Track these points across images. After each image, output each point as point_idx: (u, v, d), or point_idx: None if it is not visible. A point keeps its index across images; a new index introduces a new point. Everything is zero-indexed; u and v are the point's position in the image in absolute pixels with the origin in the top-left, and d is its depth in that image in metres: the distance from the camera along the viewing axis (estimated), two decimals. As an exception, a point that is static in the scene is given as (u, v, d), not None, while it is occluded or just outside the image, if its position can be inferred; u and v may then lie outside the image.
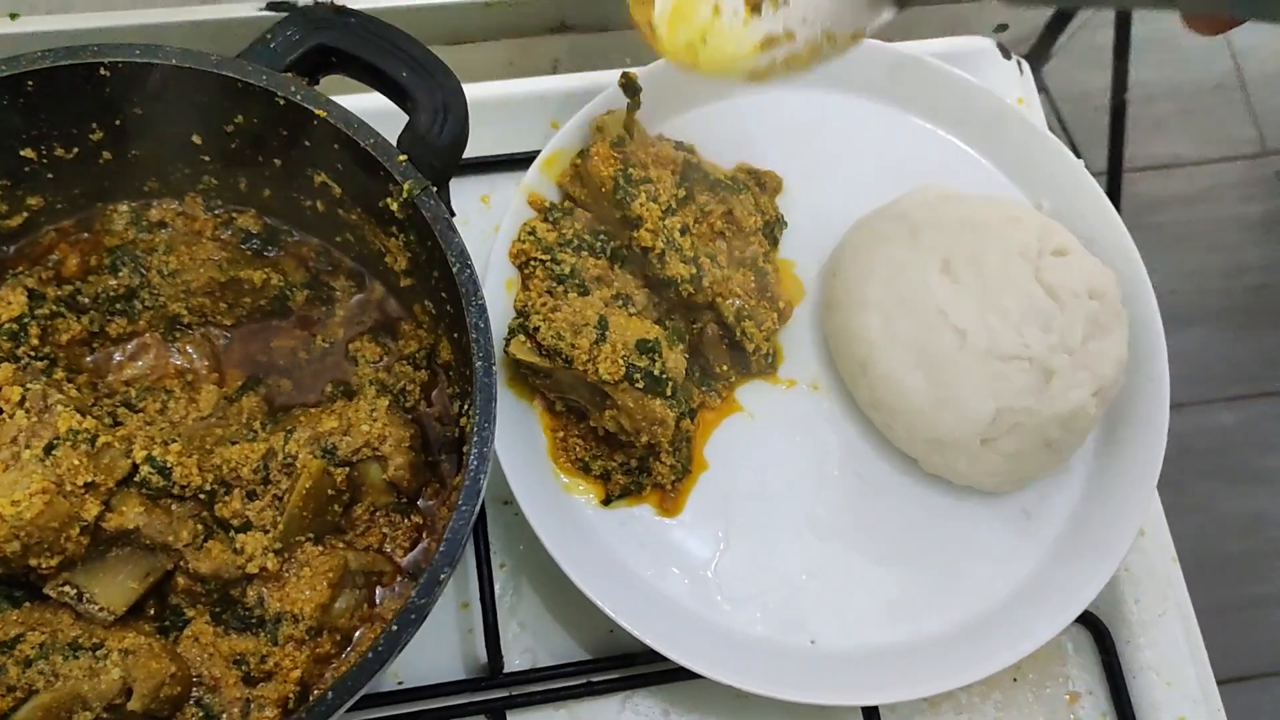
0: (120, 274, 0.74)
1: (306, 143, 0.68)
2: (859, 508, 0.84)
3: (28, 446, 0.61)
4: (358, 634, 0.69)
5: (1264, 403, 2.42)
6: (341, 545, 0.69)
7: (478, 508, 0.60)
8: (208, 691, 0.66)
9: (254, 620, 0.67)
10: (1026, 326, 0.78)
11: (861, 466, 0.85)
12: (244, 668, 0.66)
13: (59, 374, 0.69)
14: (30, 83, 0.65)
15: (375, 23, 0.68)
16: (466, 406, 0.66)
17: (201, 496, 0.67)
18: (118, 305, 0.73)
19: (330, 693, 0.56)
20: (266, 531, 0.67)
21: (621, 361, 0.75)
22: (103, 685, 0.61)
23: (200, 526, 0.66)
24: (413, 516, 0.72)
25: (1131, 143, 2.60)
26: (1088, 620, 0.87)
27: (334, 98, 0.84)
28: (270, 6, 0.94)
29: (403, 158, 0.65)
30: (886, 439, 0.85)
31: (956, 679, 0.79)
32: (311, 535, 0.68)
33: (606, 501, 0.82)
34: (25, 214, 0.73)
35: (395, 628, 0.57)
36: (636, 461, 0.81)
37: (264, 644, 0.66)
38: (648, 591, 0.80)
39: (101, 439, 0.63)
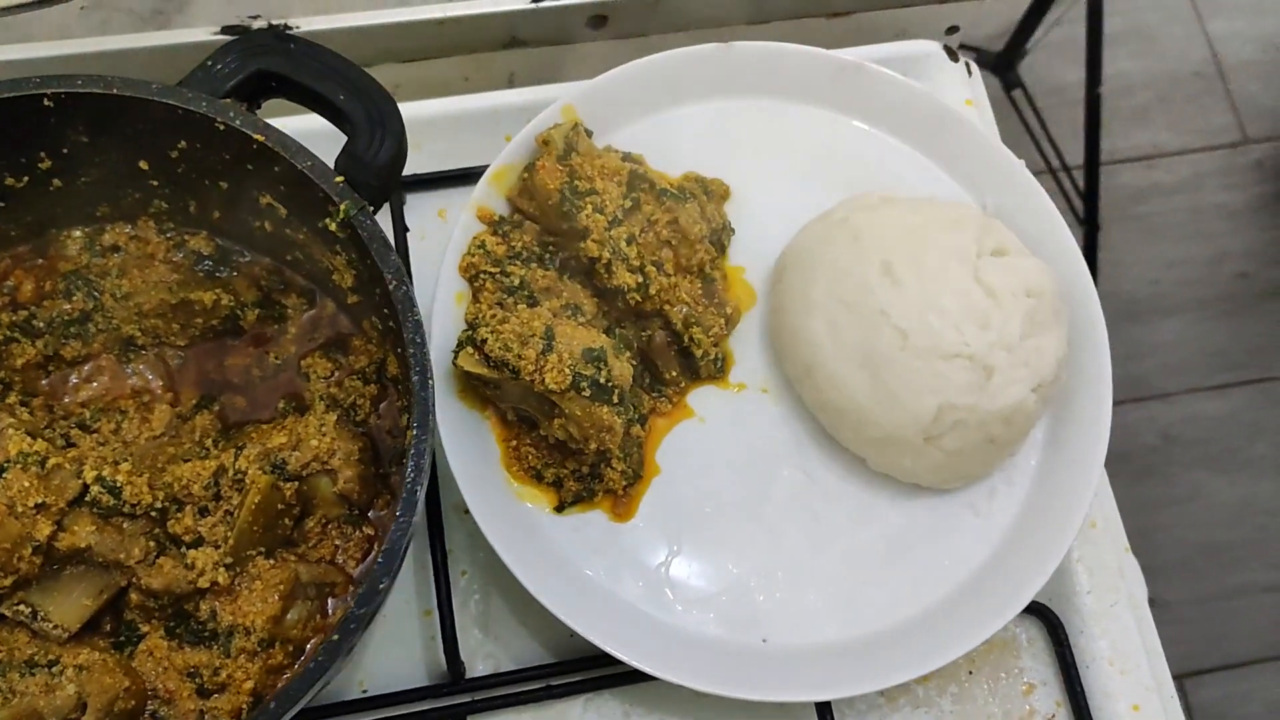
0: (74, 298, 0.76)
1: (249, 166, 0.70)
2: (809, 507, 0.86)
3: (-23, 470, 0.63)
4: (310, 644, 0.71)
5: (1249, 390, 2.43)
6: (293, 558, 0.71)
7: (415, 518, 0.61)
8: (163, 704, 0.67)
9: (207, 634, 0.68)
10: (965, 325, 0.80)
11: (810, 466, 0.87)
12: (198, 680, 0.67)
13: (13, 398, 0.71)
14: (-25, 115, 0.67)
15: (314, 48, 0.70)
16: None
17: (153, 514, 0.68)
18: (72, 329, 0.75)
19: (273, 702, 0.57)
20: (218, 547, 0.68)
21: (568, 370, 0.77)
22: (58, 701, 0.63)
23: (152, 543, 0.68)
24: (364, 528, 0.74)
25: (1112, 134, 2.62)
26: (1041, 612, 0.89)
27: (283, 120, 0.87)
28: (225, 30, 0.96)
29: (339, 179, 0.67)
30: (834, 439, 0.87)
31: (907, 672, 0.80)
32: (263, 549, 0.70)
33: (560, 509, 0.84)
34: (-22, 242, 0.75)
35: (336, 637, 0.59)
36: (588, 468, 0.83)
37: (217, 656, 0.68)
38: (602, 596, 0.82)
39: (52, 461, 0.65)
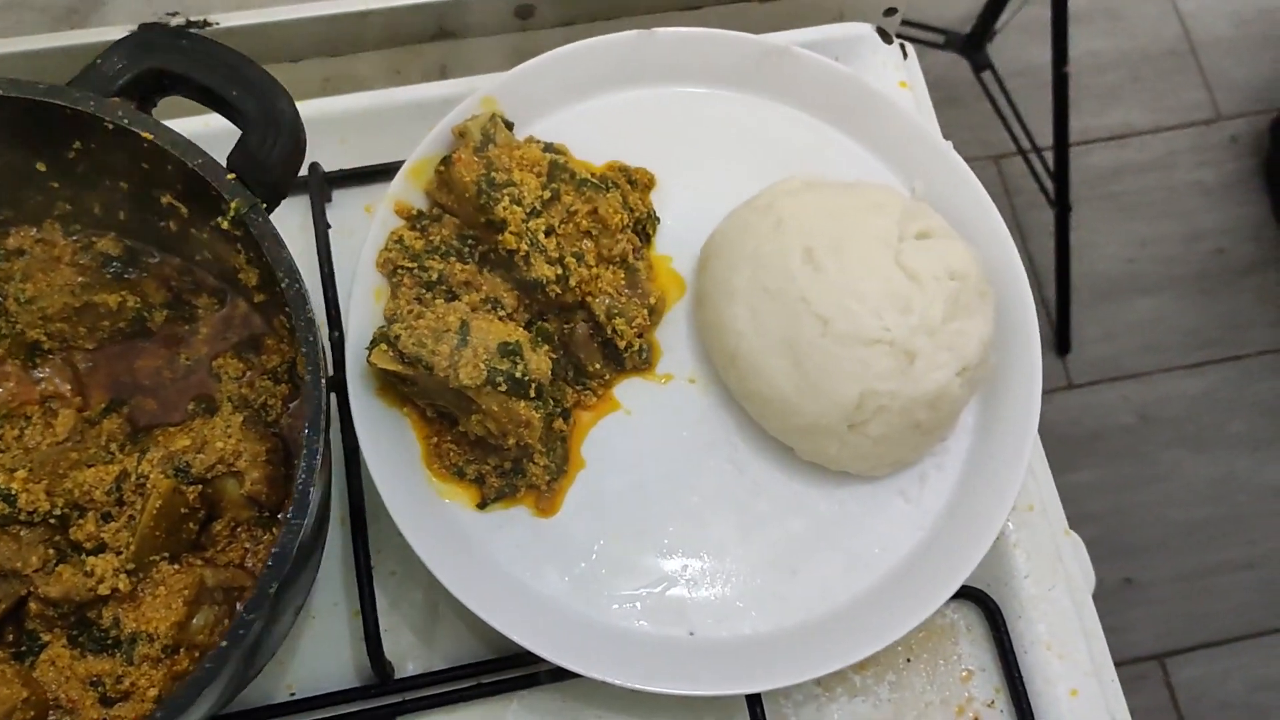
0: (-24, 304, 0.75)
1: (145, 165, 0.69)
2: (736, 498, 0.85)
3: None
4: (219, 649, 0.69)
5: (1225, 368, 2.42)
6: (199, 563, 0.70)
7: (308, 521, 0.60)
8: (65, 714, 0.66)
9: (109, 641, 0.67)
10: (886, 310, 0.79)
11: (738, 457, 0.86)
12: (100, 689, 0.67)
13: (-89, 407, 0.70)
14: None
15: (208, 43, 0.69)
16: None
17: (52, 521, 0.67)
18: (-26, 335, 0.74)
19: (160, 711, 0.56)
20: (119, 553, 0.67)
21: (483, 366, 0.76)
22: (-47, 713, 0.62)
23: (52, 551, 0.67)
24: (275, 530, 0.73)
25: (1084, 113, 2.61)
26: (978, 597, 0.88)
27: (192, 121, 0.85)
28: (143, 29, 0.94)
29: (231, 176, 0.65)
30: (762, 429, 0.86)
31: (837, 661, 0.79)
32: (167, 554, 0.69)
33: (482, 505, 0.83)
34: (-123, 249, 0.74)
35: (225, 643, 0.58)
36: (510, 464, 0.82)
37: (120, 664, 0.67)
38: (526, 593, 0.81)
39: (-57, 470, 0.64)
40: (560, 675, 0.82)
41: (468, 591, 0.77)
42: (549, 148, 0.88)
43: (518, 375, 0.76)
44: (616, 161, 0.91)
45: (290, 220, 0.94)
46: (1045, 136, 2.31)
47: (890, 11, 1.12)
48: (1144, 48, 2.72)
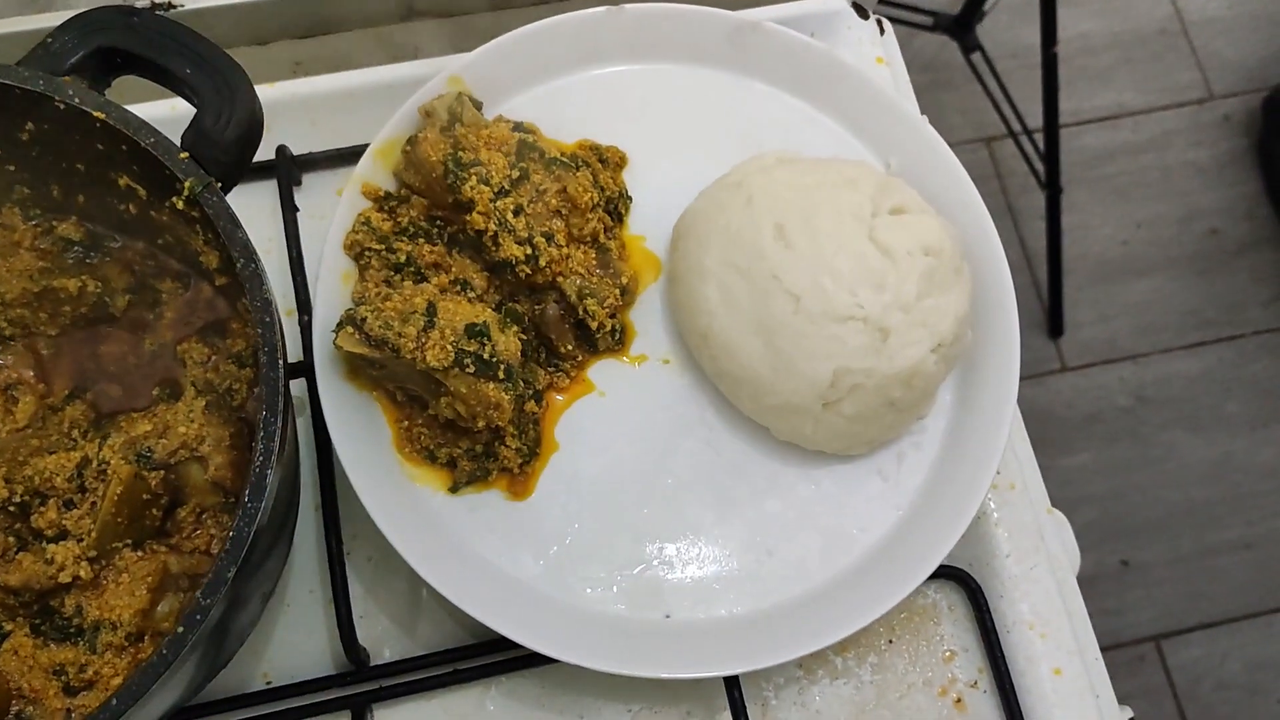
0: (-66, 291, 0.73)
1: (99, 146, 0.67)
2: (712, 479, 0.84)
3: None
4: (184, 636, 0.68)
5: (1223, 348, 2.41)
6: (163, 549, 0.69)
7: (266, 504, 0.59)
8: (28, 704, 0.66)
9: (72, 630, 0.66)
10: (859, 287, 0.78)
11: (713, 437, 0.85)
12: (64, 678, 0.66)
13: None
14: None
15: (160, 20, 0.67)
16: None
17: (12, 509, 0.66)
18: (-67, 322, 0.73)
19: (114, 699, 0.55)
20: (80, 540, 0.66)
21: (450, 347, 0.75)
22: (-87, 704, 0.61)
23: (12, 539, 0.66)
24: (240, 516, 0.72)
25: (1076, 95, 2.60)
26: (960, 577, 0.87)
27: (157, 104, 0.84)
28: (95, 9, 0.93)
29: (184, 155, 0.64)
30: (737, 409, 0.84)
31: (814, 643, 0.78)
32: (130, 541, 0.68)
33: (454, 489, 0.82)
34: None
35: (181, 629, 0.57)
36: (482, 447, 0.81)
37: (83, 653, 0.66)
38: (499, 578, 0.80)
39: (-102, 457, 0.63)
40: (537, 660, 0.82)
41: (440, 576, 0.76)
42: (518, 127, 0.87)
43: (485, 357, 0.75)
44: (587, 140, 0.90)
45: (260, 204, 0.93)
46: (1036, 118, 2.30)
47: (865, -18, 1.10)
48: (1136, 28, 2.70)
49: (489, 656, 0.83)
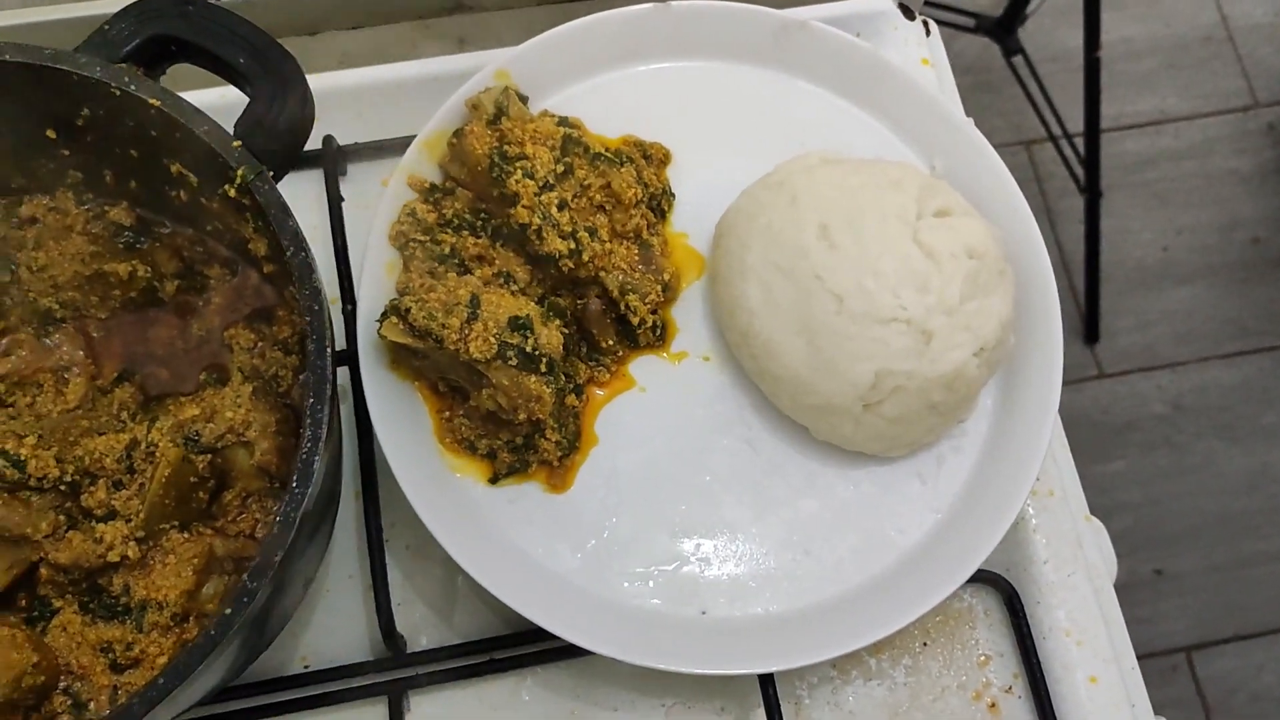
0: (-9, 272, 0.75)
1: (154, 132, 0.68)
2: (750, 478, 0.84)
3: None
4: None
5: (1262, 358, 2.38)
6: (209, 532, 0.70)
7: (312, 490, 0.60)
8: (76, 680, 0.67)
9: (120, 608, 0.67)
10: (903, 288, 0.77)
11: (752, 436, 0.85)
12: (111, 655, 0.67)
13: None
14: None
15: (214, 10, 0.68)
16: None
17: (63, 488, 0.67)
18: (-12, 303, 0.74)
19: (161, 677, 0.56)
20: (129, 520, 0.67)
21: (493, 340, 0.75)
22: (-40, 676, 0.63)
23: (62, 517, 0.67)
24: (286, 501, 0.73)
25: (1119, 100, 2.57)
26: (997, 582, 0.87)
27: (209, 91, 0.85)
28: None
29: (236, 143, 0.65)
30: (777, 408, 0.84)
31: (849, 644, 0.78)
32: (176, 522, 0.69)
33: (494, 480, 0.82)
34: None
35: (228, 610, 0.57)
36: (522, 439, 0.81)
37: (130, 631, 0.67)
38: (537, 569, 0.80)
39: (-47, 435, 0.64)
40: (573, 652, 0.82)
41: (478, 566, 0.77)
42: (563, 121, 0.87)
43: (528, 349, 0.76)
44: (631, 136, 0.90)
45: (306, 193, 0.94)
46: (1077, 122, 2.28)
47: (908, -16, 1.10)
48: (1180, 34, 2.67)
49: (525, 647, 0.84)
